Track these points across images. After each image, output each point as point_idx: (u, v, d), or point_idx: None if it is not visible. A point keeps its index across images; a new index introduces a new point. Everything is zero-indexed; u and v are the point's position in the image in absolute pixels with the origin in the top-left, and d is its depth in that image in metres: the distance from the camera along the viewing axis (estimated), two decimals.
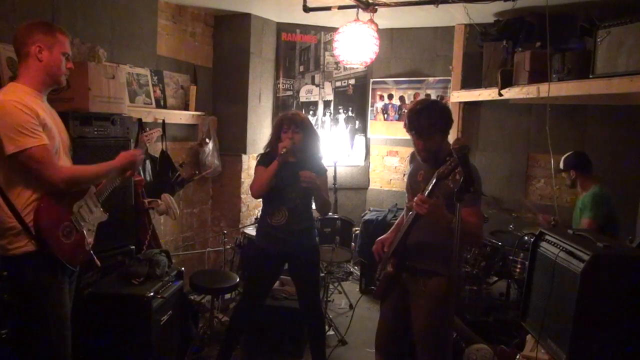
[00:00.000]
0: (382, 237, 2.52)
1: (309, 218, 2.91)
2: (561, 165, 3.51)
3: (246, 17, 4.66)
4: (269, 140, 2.94)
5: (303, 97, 5.31)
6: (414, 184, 2.35)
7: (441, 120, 2.21)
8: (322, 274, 3.94)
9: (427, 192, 2.01)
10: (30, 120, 1.89)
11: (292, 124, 2.77)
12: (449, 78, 4.90)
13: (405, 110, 5.27)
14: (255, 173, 2.91)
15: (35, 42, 1.99)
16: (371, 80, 5.40)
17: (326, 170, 2.95)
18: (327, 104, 5.40)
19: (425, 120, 2.17)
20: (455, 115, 4.53)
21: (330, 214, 4.54)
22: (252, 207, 4.98)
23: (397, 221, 2.61)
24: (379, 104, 5.39)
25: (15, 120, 1.86)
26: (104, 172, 2.18)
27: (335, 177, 5.10)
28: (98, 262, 2.25)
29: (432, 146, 2.21)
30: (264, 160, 2.85)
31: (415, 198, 2.05)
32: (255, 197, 2.92)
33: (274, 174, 2.73)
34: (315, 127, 2.96)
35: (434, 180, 1.98)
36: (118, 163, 2.22)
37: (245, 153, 4.78)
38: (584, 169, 3.43)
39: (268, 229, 2.84)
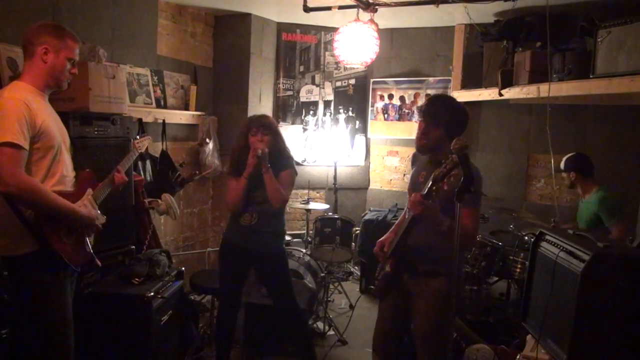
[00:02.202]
0: (382, 237, 2.52)
1: (279, 223, 2.87)
2: (562, 166, 3.49)
3: (246, 17, 4.66)
4: (234, 149, 2.84)
5: (303, 97, 5.31)
6: (415, 184, 2.35)
7: (450, 114, 2.20)
8: (322, 274, 3.95)
9: (424, 193, 2.01)
10: (22, 119, 1.87)
11: (260, 127, 2.73)
12: (449, 78, 4.90)
13: (406, 110, 5.29)
14: (228, 185, 2.81)
15: (43, 43, 2.01)
16: (371, 80, 5.40)
17: (293, 168, 2.86)
18: (327, 104, 5.40)
19: (437, 107, 2.20)
20: None
21: (330, 213, 4.56)
22: None
23: (397, 221, 2.61)
24: (379, 104, 5.39)
25: (8, 114, 1.86)
26: (61, 209, 1.98)
27: (335, 177, 5.11)
28: (99, 263, 2.25)
29: (432, 136, 2.20)
30: (235, 170, 2.78)
31: (412, 197, 2.06)
32: (233, 210, 2.79)
33: (248, 180, 2.69)
34: (279, 128, 2.89)
35: (430, 183, 1.98)
36: (81, 213, 2.07)
37: None
38: (584, 171, 3.41)
39: (238, 227, 2.81)
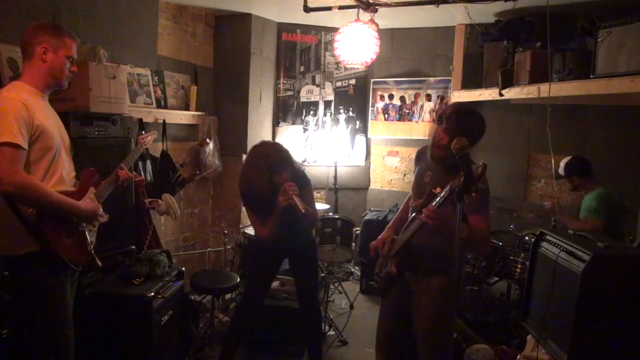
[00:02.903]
0: (380, 236, 2.52)
1: (302, 222, 2.90)
2: (562, 172, 3.47)
3: (247, 17, 4.66)
4: (252, 186, 2.71)
5: (304, 97, 5.31)
6: (420, 184, 2.33)
7: (480, 131, 2.18)
8: (322, 274, 3.94)
9: (437, 203, 1.95)
10: (20, 118, 1.87)
11: (283, 164, 2.69)
12: (450, 78, 4.90)
13: (407, 111, 5.29)
14: (252, 219, 2.85)
15: (41, 42, 2.00)
16: (372, 80, 5.40)
17: (308, 180, 2.92)
18: (327, 104, 5.40)
19: (469, 124, 2.14)
20: None
21: (330, 214, 4.56)
22: None
23: (394, 217, 2.60)
24: (380, 104, 5.39)
25: (6, 114, 1.86)
26: (61, 206, 1.99)
27: (335, 177, 5.11)
28: (99, 263, 2.25)
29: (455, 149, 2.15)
30: (255, 206, 2.78)
31: (424, 210, 1.99)
32: (270, 241, 2.81)
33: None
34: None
35: (447, 194, 1.91)
36: (82, 208, 2.08)
37: (245, 153, 4.77)
38: (586, 174, 3.42)
39: None
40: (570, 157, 3.51)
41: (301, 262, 3.03)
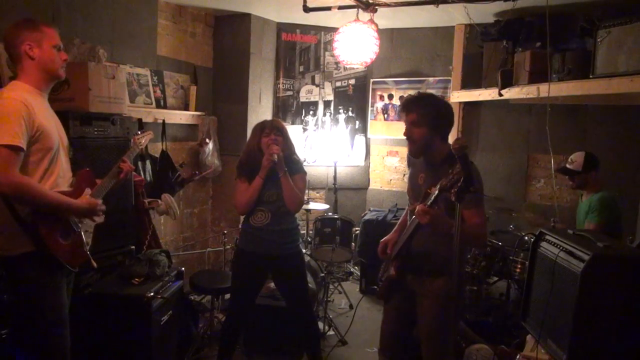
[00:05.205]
0: (385, 237, 2.52)
1: (291, 220, 2.88)
2: (579, 167, 3.26)
3: (246, 17, 4.66)
4: (246, 149, 2.88)
5: (303, 97, 5.31)
6: (415, 187, 2.34)
7: (432, 111, 2.18)
8: (322, 274, 3.94)
9: (429, 202, 2.00)
10: (21, 119, 1.87)
11: (273, 128, 2.79)
12: (449, 78, 4.91)
13: None
14: (237, 187, 2.81)
15: (24, 40, 1.99)
16: (371, 80, 5.41)
17: (304, 172, 2.93)
18: (327, 104, 5.40)
19: (411, 106, 2.20)
20: (456, 116, 4.50)
21: (330, 214, 4.56)
22: None
23: (399, 221, 2.61)
24: (379, 104, 5.39)
25: (7, 115, 1.86)
26: (57, 204, 2.00)
27: (335, 177, 5.10)
28: (94, 264, 2.24)
29: (416, 137, 2.19)
30: (245, 171, 2.80)
31: (417, 208, 2.04)
32: (243, 210, 2.81)
33: (262, 184, 2.73)
34: (289, 133, 2.92)
35: (437, 192, 1.96)
36: (79, 206, 2.07)
37: None
38: (599, 168, 3.37)
39: (250, 230, 2.81)
40: (582, 152, 3.40)
41: (286, 276, 2.89)
